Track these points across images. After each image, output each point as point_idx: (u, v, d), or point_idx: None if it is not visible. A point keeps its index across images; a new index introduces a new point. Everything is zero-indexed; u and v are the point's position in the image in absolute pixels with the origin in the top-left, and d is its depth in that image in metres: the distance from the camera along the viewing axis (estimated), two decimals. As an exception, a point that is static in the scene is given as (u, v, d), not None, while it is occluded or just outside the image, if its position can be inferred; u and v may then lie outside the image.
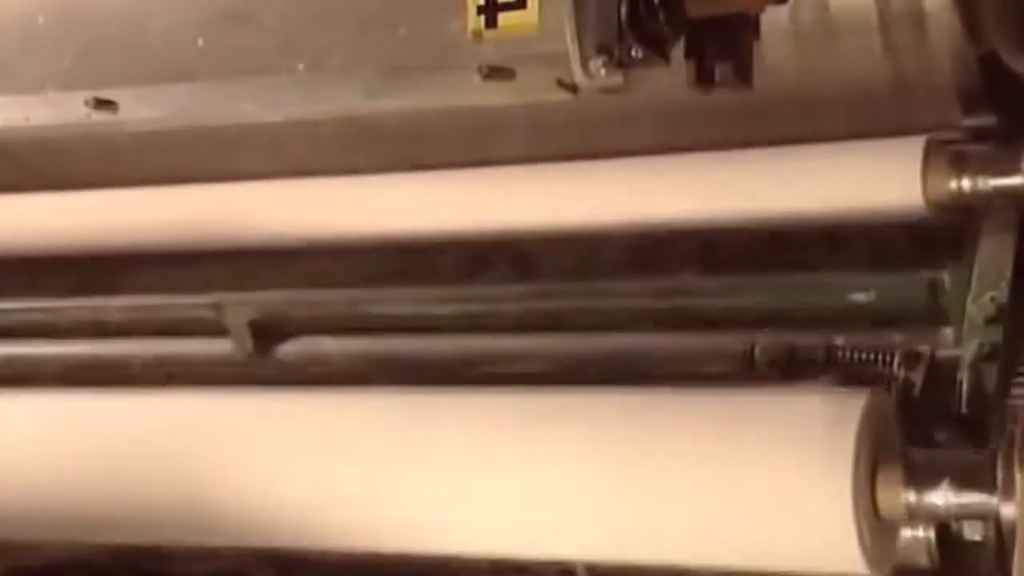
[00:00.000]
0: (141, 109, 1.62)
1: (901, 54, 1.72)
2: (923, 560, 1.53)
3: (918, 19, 1.69)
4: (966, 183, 1.68)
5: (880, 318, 1.72)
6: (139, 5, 1.59)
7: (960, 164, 1.68)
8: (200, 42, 1.55)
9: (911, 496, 1.43)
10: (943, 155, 1.69)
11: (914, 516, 1.44)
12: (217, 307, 1.98)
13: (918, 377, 1.64)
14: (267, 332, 1.98)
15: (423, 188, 1.94)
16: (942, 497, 1.43)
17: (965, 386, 1.57)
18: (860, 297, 1.74)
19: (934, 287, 1.71)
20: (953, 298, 1.68)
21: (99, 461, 1.74)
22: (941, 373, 1.63)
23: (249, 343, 1.97)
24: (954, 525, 1.52)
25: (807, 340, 1.73)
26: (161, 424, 1.76)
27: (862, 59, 1.73)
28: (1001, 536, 1.47)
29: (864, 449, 1.42)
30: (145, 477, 1.71)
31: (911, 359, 1.66)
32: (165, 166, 2.08)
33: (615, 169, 1.85)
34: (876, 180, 1.72)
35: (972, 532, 1.52)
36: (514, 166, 1.91)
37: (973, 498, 1.42)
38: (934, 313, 1.70)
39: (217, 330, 1.99)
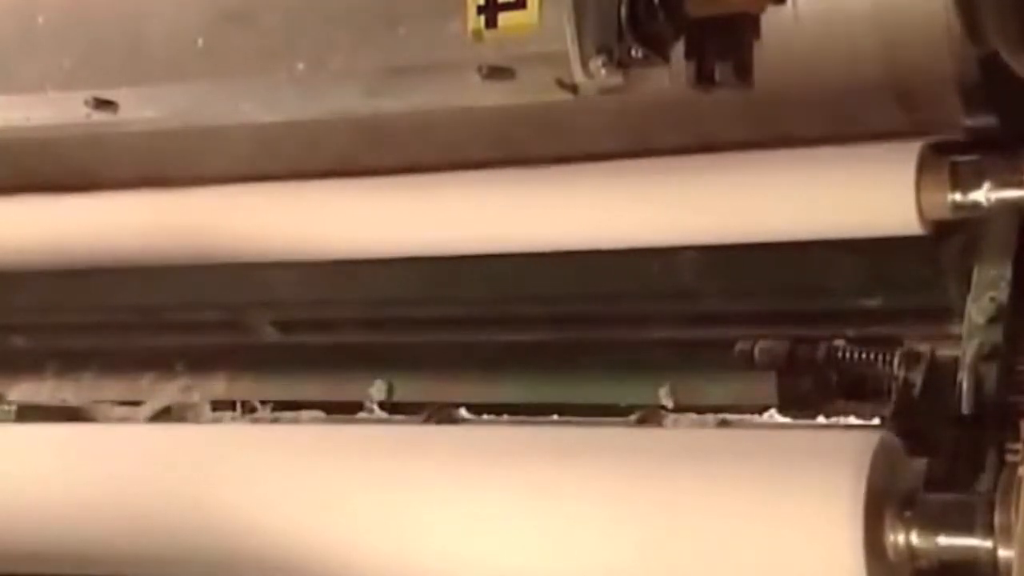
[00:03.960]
0: (141, 109, 1.62)
1: (901, 54, 1.72)
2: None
3: (918, 19, 1.69)
4: (961, 196, 1.68)
5: (881, 319, 1.73)
6: (139, 5, 1.59)
7: (956, 177, 1.68)
8: (200, 42, 1.55)
9: (915, 539, 1.44)
10: (939, 164, 1.69)
11: (915, 557, 1.45)
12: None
13: (918, 377, 1.64)
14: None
15: (429, 193, 1.95)
16: (943, 539, 1.44)
17: (965, 386, 1.57)
18: (861, 298, 1.74)
19: (935, 288, 1.71)
20: (954, 298, 1.68)
21: (106, 494, 1.75)
22: (941, 373, 1.63)
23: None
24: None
25: (807, 340, 1.74)
26: (166, 457, 1.77)
27: (862, 59, 1.73)
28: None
29: (872, 490, 1.43)
30: (151, 509, 1.71)
31: (911, 359, 1.66)
32: (165, 167, 2.09)
33: (618, 172, 1.85)
34: (878, 183, 1.72)
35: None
36: (519, 170, 1.91)
37: (974, 541, 1.43)
38: (935, 314, 1.70)
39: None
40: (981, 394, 1.57)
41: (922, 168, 1.68)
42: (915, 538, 1.44)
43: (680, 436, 1.68)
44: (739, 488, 1.49)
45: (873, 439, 1.46)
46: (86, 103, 1.61)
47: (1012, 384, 1.58)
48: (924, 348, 1.65)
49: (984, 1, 1.69)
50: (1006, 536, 1.41)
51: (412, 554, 1.60)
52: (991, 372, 1.58)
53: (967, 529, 1.43)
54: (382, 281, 2.01)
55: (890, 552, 1.45)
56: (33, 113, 1.66)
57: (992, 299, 1.64)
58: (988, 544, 1.42)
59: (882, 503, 1.44)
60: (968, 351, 1.60)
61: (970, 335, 1.62)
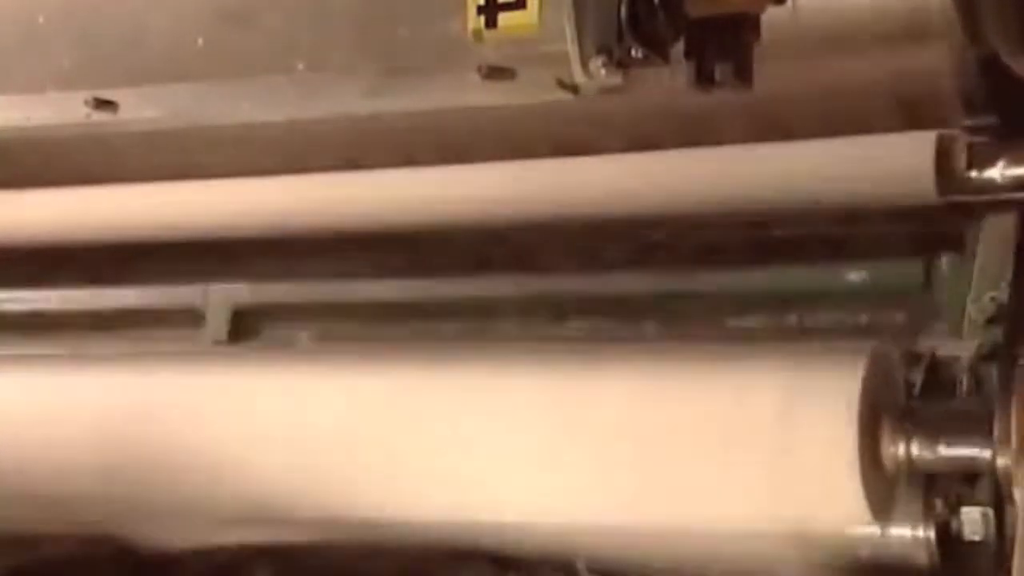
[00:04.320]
0: (141, 109, 1.62)
1: (901, 54, 1.72)
2: (923, 560, 1.54)
3: (918, 20, 1.69)
4: (977, 173, 1.69)
5: (876, 303, 1.73)
6: (139, 5, 1.59)
7: (973, 152, 1.69)
8: (200, 42, 1.55)
9: (913, 447, 1.46)
10: (957, 143, 1.70)
11: (914, 468, 1.46)
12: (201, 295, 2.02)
13: (918, 377, 1.64)
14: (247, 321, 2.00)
15: (420, 182, 1.95)
16: (942, 448, 1.46)
17: (965, 386, 1.57)
18: (854, 278, 1.75)
19: (930, 276, 1.72)
20: (952, 283, 1.69)
21: (80, 439, 1.76)
22: (941, 373, 1.63)
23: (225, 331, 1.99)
24: (954, 525, 1.53)
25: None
26: (144, 399, 1.78)
27: (862, 59, 1.73)
28: (1002, 533, 1.48)
29: (867, 400, 1.44)
30: (128, 453, 1.73)
31: (911, 359, 1.66)
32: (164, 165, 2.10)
33: (616, 162, 1.86)
34: (876, 175, 1.72)
35: (972, 532, 1.52)
36: (513, 161, 1.92)
37: (972, 450, 1.45)
38: (930, 304, 1.71)
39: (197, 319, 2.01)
40: (981, 394, 1.58)
41: (940, 146, 1.69)
42: (915, 447, 1.46)
43: (677, 348, 1.68)
44: (738, 399, 1.51)
45: (866, 350, 1.48)
46: (86, 103, 1.61)
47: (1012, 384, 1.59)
48: (924, 348, 1.66)
49: (984, 1, 1.69)
50: (1005, 444, 1.43)
51: (399, 486, 1.62)
52: (991, 372, 1.59)
53: (966, 437, 1.45)
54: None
55: (888, 463, 1.46)
56: (33, 113, 1.66)
57: (992, 299, 1.64)
58: (987, 453, 1.43)
59: (878, 414, 1.46)
60: (968, 351, 1.60)
61: (970, 335, 1.62)
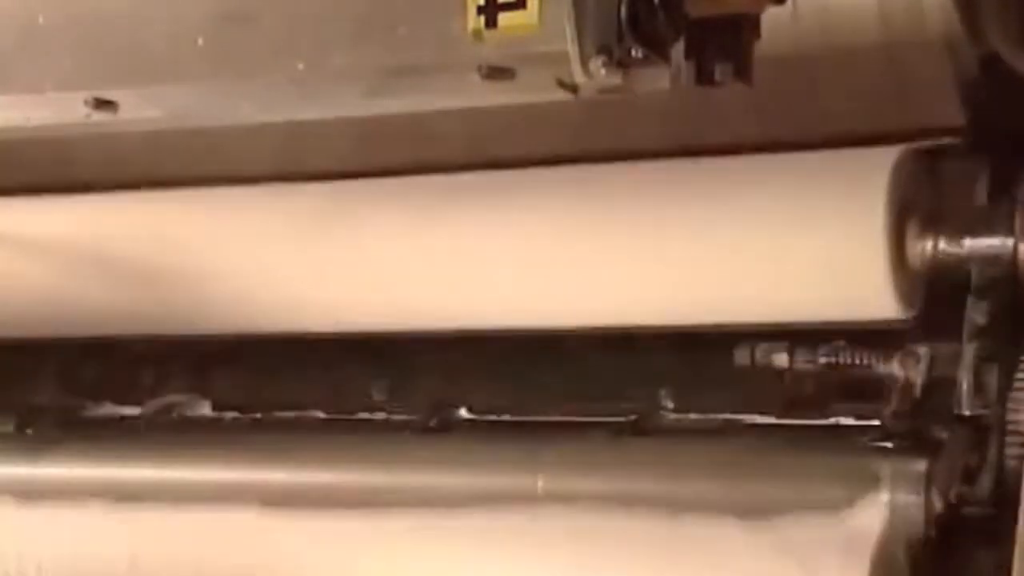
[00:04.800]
0: (141, 109, 1.62)
1: (901, 54, 1.72)
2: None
3: (918, 19, 1.69)
4: None
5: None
6: (139, 5, 1.59)
7: None
8: (200, 42, 1.55)
9: (940, 242, 1.56)
10: None
11: (939, 262, 1.56)
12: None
13: (918, 377, 1.64)
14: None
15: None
16: (967, 241, 1.58)
17: (965, 386, 1.58)
18: None
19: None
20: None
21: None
22: (941, 373, 1.64)
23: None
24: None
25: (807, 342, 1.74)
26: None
27: (862, 59, 1.73)
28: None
29: (894, 200, 1.53)
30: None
31: (911, 359, 1.66)
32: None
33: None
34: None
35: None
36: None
37: (995, 241, 1.56)
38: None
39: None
40: (981, 394, 1.58)
41: None
42: (941, 243, 1.56)
43: (704, 167, 1.74)
44: (771, 197, 1.59)
45: (891, 154, 1.57)
46: (86, 103, 1.61)
47: (1012, 385, 1.59)
48: (924, 348, 1.66)
49: (984, 1, 1.69)
50: None
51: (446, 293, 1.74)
52: (991, 372, 1.59)
53: (989, 231, 1.56)
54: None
55: (914, 259, 1.56)
56: (33, 113, 1.66)
57: (993, 299, 1.64)
58: (1010, 243, 1.55)
59: (906, 212, 1.55)
60: (968, 351, 1.60)
61: (970, 336, 1.62)
